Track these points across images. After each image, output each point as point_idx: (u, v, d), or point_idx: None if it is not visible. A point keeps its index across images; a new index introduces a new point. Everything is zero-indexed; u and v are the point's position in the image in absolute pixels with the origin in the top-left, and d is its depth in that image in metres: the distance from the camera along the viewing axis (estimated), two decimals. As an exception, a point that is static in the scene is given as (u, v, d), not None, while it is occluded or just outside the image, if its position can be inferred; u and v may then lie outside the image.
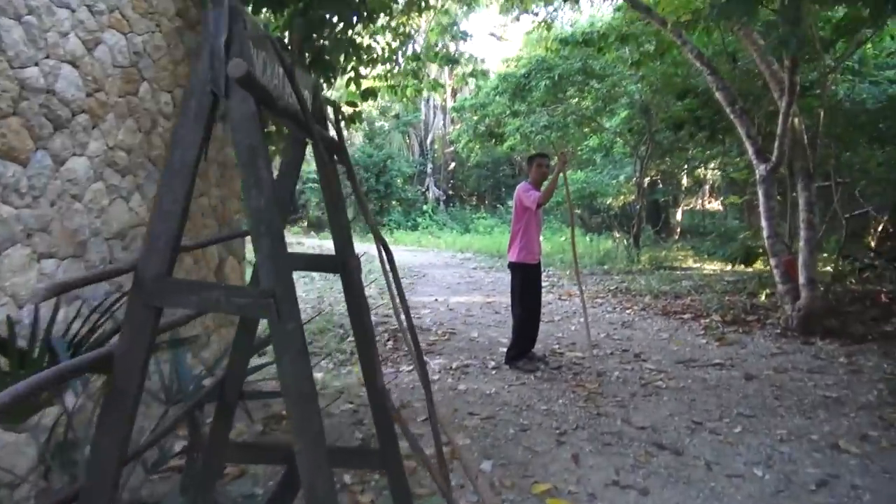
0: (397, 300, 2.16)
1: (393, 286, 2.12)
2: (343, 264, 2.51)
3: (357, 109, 5.13)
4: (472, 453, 3.63)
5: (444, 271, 13.00)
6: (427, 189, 28.18)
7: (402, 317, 2.17)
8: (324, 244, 19.27)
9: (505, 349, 5.68)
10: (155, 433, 2.39)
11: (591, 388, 4.83)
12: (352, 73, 5.22)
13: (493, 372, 5.32)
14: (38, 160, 2.78)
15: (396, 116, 28.64)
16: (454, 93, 26.07)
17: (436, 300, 9.07)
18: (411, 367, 5.36)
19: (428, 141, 28.87)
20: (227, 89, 1.52)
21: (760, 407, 4.45)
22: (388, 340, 6.40)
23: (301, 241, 18.40)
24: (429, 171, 28.50)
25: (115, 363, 1.52)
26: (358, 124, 5.29)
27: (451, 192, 29.83)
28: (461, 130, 17.24)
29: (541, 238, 5.66)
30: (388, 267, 2.51)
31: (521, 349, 5.49)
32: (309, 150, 2.30)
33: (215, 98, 1.54)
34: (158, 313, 1.57)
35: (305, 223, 27.13)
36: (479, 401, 4.56)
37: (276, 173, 1.99)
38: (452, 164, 29.47)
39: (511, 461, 3.54)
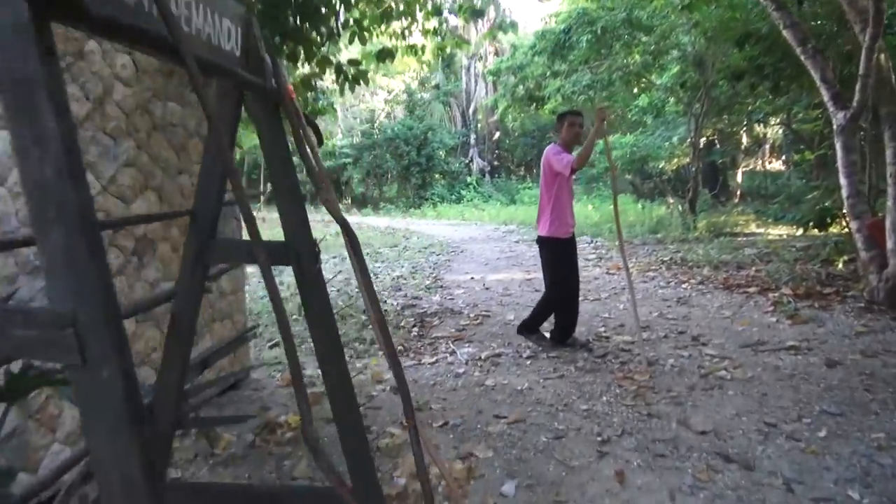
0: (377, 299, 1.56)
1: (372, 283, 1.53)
2: (295, 254, 1.91)
3: (362, 68, 4.49)
4: (494, 470, 3.01)
5: (485, 245, 12.34)
6: (471, 160, 27.41)
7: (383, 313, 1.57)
8: (363, 221, 18.81)
9: (547, 333, 5.01)
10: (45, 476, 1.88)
11: (641, 381, 4.13)
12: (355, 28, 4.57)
13: (528, 362, 4.67)
14: (-64, 136, 2.27)
15: (437, 87, 27.84)
16: (496, 54, 25.01)
17: (471, 278, 8.44)
18: (434, 359, 4.77)
19: (470, 111, 27.98)
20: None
21: (848, 402, 3.68)
22: (414, 326, 5.83)
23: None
24: (472, 141, 27.67)
25: None
26: (365, 85, 4.66)
27: (496, 163, 28.96)
28: (499, 96, 16.32)
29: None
30: (357, 257, 1.95)
31: (538, 322, 4.94)
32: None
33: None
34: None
35: (349, 199, 26.79)
36: (508, 399, 3.93)
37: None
38: (497, 134, 28.52)
39: (540, 480, 2.91)
